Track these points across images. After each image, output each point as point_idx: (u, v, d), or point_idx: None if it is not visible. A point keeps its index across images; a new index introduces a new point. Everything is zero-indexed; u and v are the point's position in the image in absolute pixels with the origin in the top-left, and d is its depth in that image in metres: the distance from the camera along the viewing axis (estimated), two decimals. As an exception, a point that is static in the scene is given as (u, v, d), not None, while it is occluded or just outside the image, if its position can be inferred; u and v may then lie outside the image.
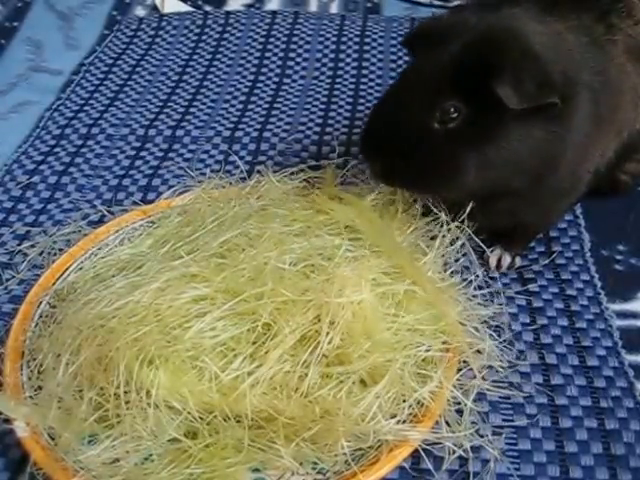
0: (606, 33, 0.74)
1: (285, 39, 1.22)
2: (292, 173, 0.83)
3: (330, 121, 1.03)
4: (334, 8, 1.34)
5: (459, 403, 0.63)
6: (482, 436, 0.62)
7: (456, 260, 0.74)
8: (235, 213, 0.74)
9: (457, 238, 0.73)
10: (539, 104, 0.64)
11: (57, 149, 0.99)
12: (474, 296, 0.72)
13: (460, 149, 0.66)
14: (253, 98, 1.09)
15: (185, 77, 1.14)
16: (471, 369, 0.66)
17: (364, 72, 1.14)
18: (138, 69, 1.16)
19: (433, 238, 0.74)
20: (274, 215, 0.74)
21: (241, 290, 0.64)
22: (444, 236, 0.72)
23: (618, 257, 0.82)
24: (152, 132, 1.02)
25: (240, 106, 1.07)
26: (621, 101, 0.75)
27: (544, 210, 0.77)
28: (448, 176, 0.68)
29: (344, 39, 1.21)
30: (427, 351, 0.65)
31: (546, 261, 0.80)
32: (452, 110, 0.65)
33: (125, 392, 0.58)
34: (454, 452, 0.60)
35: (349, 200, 0.76)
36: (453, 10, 0.73)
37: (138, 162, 0.96)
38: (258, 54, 1.19)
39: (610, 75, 0.72)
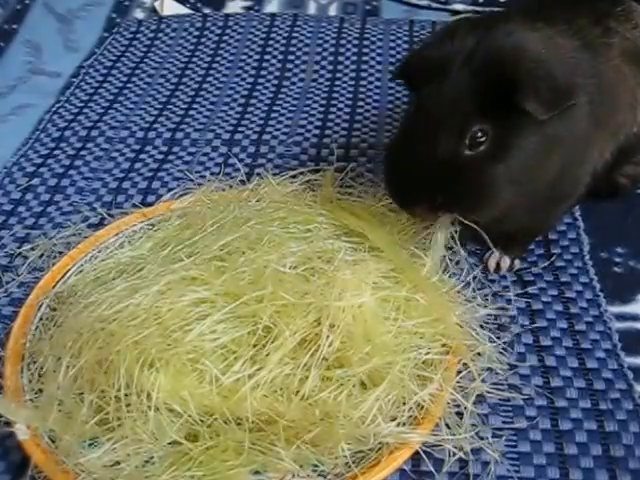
0: (602, 36, 0.74)
1: (284, 42, 1.22)
2: (292, 176, 0.83)
3: (329, 124, 1.03)
4: (333, 11, 1.34)
5: (459, 405, 0.63)
6: (482, 438, 0.62)
7: (455, 262, 0.75)
8: (235, 216, 0.74)
9: (456, 240, 0.73)
10: (561, 109, 0.65)
11: (57, 152, 0.99)
12: (473, 298, 0.72)
13: (493, 169, 0.67)
14: (252, 101, 1.09)
15: (184, 79, 1.14)
16: (471, 371, 0.66)
17: (363, 74, 1.14)
18: (137, 71, 1.16)
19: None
20: (274, 218, 0.74)
21: (241, 293, 0.64)
22: (444, 239, 0.73)
23: (617, 259, 0.82)
24: (151, 135, 1.02)
25: (239, 109, 1.07)
26: (617, 103, 0.75)
27: (543, 213, 0.78)
28: (488, 197, 0.68)
29: (343, 42, 1.21)
30: (427, 354, 0.65)
31: (545, 263, 0.80)
32: (479, 135, 0.66)
33: (126, 395, 0.58)
34: (454, 454, 0.60)
35: (348, 205, 0.76)
36: (441, 34, 0.72)
37: (138, 165, 0.96)
38: (257, 57, 1.19)
39: (605, 78, 0.73)
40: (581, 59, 0.71)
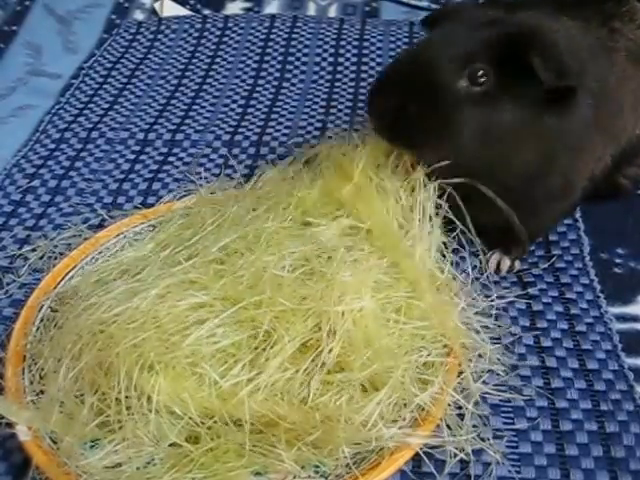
0: (608, 39, 0.74)
1: (284, 43, 1.22)
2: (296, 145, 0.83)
3: (329, 125, 1.03)
4: (332, 12, 1.34)
5: (460, 407, 0.63)
6: (483, 439, 0.62)
7: (456, 264, 0.74)
8: (235, 211, 0.74)
9: (456, 241, 0.73)
10: (568, 86, 0.66)
11: (57, 153, 0.99)
12: (474, 299, 0.72)
13: (476, 111, 0.66)
14: (252, 102, 1.09)
15: (184, 81, 1.14)
16: (472, 373, 0.66)
17: (363, 76, 1.14)
18: (137, 73, 1.16)
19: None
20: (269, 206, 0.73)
21: (240, 298, 0.63)
22: (444, 242, 0.72)
23: (617, 260, 0.82)
24: (152, 136, 1.02)
25: (239, 110, 1.07)
26: (620, 107, 0.75)
27: (538, 214, 0.77)
28: (450, 134, 0.67)
29: (343, 43, 1.22)
30: (428, 356, 0.65)
31: (546, 265, 0.80)
32: (481, 73, 0.66)
33: (126, 397, 0.58)
34: (455, 455, 0.60)
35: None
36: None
37: (138, 166, 0.96)
38: (257, 58, 1.19)
39: (610, 80, 0.73)
40: (591, 59, 0.71)
